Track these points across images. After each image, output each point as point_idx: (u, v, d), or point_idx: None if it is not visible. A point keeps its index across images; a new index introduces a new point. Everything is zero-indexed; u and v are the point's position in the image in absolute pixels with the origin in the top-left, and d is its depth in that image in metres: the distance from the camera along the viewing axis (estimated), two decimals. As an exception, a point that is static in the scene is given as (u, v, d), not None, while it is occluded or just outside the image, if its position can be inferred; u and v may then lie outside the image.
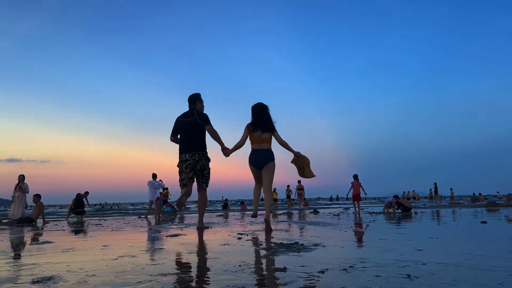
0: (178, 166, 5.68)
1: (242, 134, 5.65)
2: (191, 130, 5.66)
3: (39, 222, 10.59)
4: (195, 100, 5.95)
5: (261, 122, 5.57)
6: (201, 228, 5.83)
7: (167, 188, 19.45)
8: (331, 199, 60.36)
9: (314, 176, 6.03)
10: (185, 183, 5.55)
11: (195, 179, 5.74)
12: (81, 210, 13.47)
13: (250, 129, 5.57)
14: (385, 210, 11.72)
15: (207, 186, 5.87)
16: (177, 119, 5.89)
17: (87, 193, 14.65)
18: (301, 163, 5.99)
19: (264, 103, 5.74)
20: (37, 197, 11.14)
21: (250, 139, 5.65)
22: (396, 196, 12.05)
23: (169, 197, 19.55)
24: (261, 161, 5.53)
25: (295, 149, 5.90)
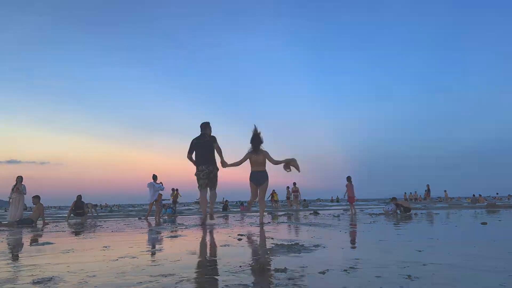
0: (196, 174, 7.45)
1: (243, 155, 7.49)
2: (206, 149, 7.45)
3: (39, 223, 10.59)
4: (205, 127, 7.69)
5: (255, 146, 7.45)
6: (210, 215, 7.67)
7: (177, 190, 19.44)
8: (331, 200, 60.27)
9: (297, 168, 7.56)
10: (202, 187, 7.43)
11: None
12: (81, 212, 13.45)
13: (249, 155, 7.42)
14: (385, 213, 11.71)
15: (215, 187, 7.60)
16: (193, 140, 7.55)
17: (96, 205, 14.67)
18: (291, 164, 7.52)
19: (257, 130, 7.49)
20: (36, 198, 11.13)
21: (250, 163, 7.45)
22: (394, 198, 12.07)
23: (179, 199, 19.53)
24: (259, 180, 7.44)
25: (288, 156, 7.52)
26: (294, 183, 21.31)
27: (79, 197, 13.58)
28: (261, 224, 7.01)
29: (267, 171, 7.47)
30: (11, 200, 11.37)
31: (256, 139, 7.43)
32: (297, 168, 7.49)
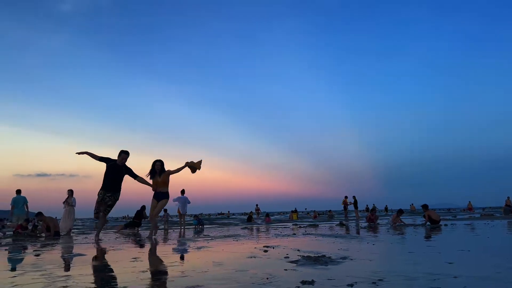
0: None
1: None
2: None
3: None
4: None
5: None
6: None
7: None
8: (366, 209, 59.06)
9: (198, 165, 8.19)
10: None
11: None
12: (139, 222, 13.66)
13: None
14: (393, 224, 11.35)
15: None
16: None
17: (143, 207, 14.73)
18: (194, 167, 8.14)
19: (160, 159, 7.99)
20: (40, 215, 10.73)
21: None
22: (424, 206, 11.78)
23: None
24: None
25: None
26: (354, 196, 23.39)
27: (144, 207, 13.95)
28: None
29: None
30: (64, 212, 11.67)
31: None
32: (195, 167, 8.13)
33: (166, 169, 7.99)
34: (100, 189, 7.40)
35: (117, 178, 7.42)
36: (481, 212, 26.74)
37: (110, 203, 7.40)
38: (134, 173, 7.54)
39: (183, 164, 8.06)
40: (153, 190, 7.85)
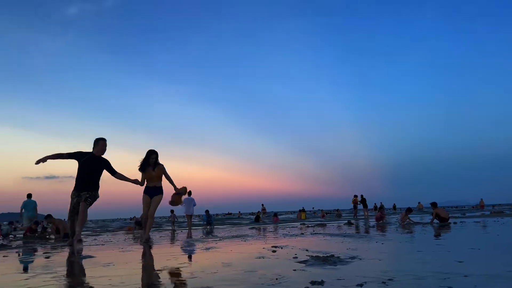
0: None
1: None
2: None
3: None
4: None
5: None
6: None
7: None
8: (374, 208, 58.85)
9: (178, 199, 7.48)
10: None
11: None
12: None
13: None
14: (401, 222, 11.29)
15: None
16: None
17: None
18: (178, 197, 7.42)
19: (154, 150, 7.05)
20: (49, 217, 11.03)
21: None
22: (433, 204, 11.75)
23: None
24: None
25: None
26: (361, 195, 23.70)
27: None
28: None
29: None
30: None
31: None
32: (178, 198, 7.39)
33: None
34: (73, 190, 6.34)
35: (95, 173, 6.37)
36: (491, 210, 26.49)
37: (88, 195, 6.23)
38: (112, 168, 6.53)
39: (177, 187, 7.28)
40: (140, 185, 6.97)
